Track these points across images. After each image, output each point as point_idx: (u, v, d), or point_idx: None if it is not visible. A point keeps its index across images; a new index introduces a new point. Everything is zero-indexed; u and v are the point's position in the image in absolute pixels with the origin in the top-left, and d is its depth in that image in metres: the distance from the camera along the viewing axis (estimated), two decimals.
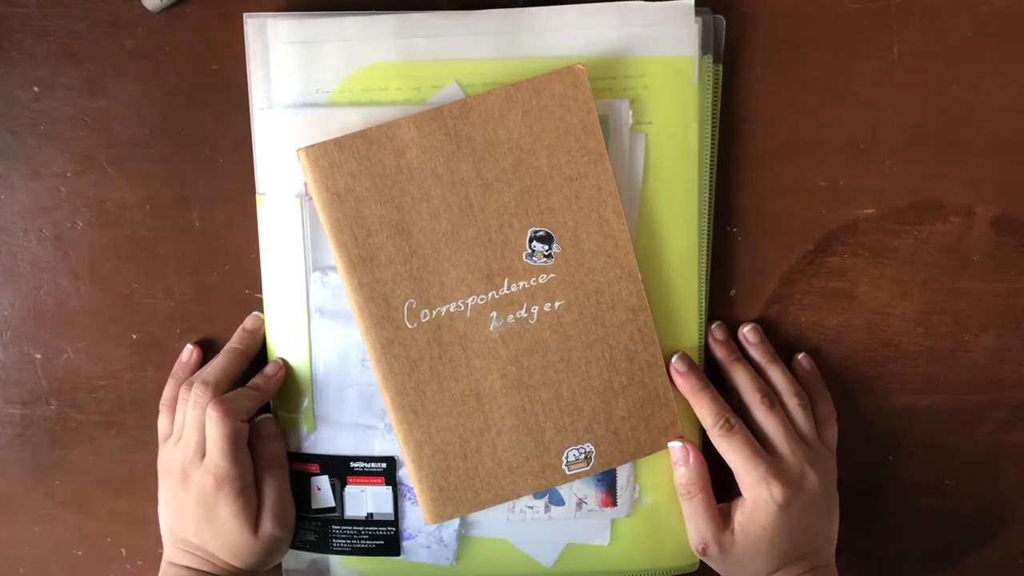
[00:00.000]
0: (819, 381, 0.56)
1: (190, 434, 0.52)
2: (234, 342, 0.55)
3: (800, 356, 0.56)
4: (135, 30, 0.53)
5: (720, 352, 0.55)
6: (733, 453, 0.51)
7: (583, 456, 0.54)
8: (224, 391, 0.52)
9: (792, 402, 0.53)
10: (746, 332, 0.55)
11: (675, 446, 0.53)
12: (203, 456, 0.51)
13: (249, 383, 0.54)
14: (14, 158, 0.55)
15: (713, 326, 0.55)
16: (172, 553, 0.54)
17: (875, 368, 0.57)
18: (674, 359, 0.53)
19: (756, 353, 0.55)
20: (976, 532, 0.60)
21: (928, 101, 0.55)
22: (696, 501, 0.52)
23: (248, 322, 0.55)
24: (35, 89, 0.54)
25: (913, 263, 0.56)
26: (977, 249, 0.56)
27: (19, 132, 0.54)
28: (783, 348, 0.56)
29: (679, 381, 0.53)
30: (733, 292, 0.56)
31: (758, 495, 0.50)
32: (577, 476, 0.54)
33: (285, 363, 0.54)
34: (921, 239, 0.56)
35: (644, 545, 0.56)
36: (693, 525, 0.52)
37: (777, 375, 0.54)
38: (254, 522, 0.52)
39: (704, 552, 0.52)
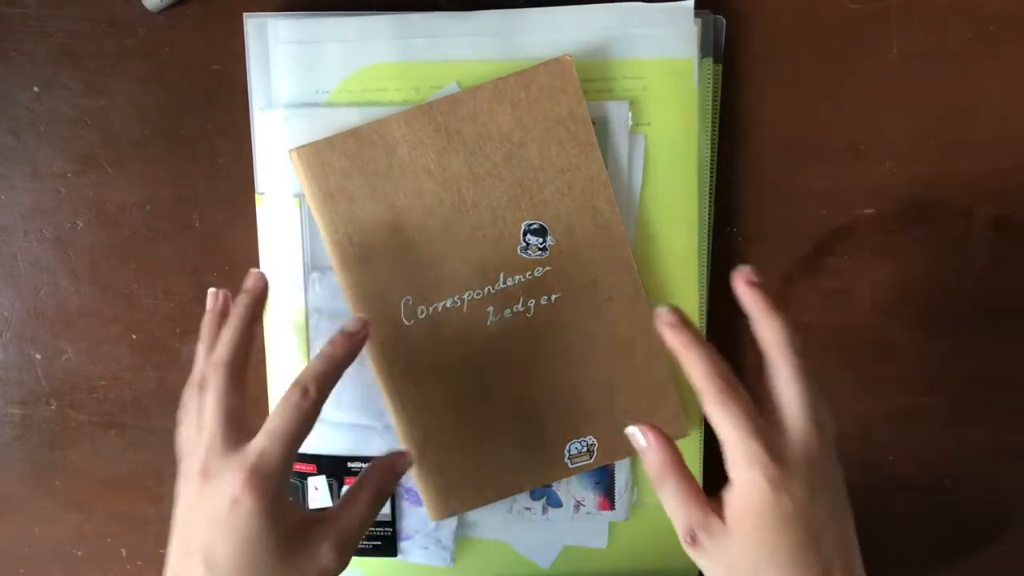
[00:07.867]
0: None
1: (208, 424, 0.44)
2: (236, 308, 0.47)
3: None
4: (135, 30, 0.53)
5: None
6: (725, 423, 0.42)
7: (585, 449, 0.54)
8: (240, 367, 0.45)
9: None
10: (747, 271, 0.45)
11: (632, 431, 0.45)
12: (234, 447, 0.43)
13: (323, 350, 0.45)
14: (14, 158, 0.55)
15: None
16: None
17: (875, 368, 0.57)
18: (663, 311, 0.44)
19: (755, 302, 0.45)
20: (976, 532, 0.60)
21: (928, 101, 0.54)
22: (670, 483, 0.43)
23: (248, 281, 0.48)
24: (35, 89, 0.54)
25: (913, 263, 0.56)
26: (977, 249, 0.56)
27: (19, 132, 0.54)
28: None
29: (668, 336, 0.44)
30: None
31: (748, 476, 0.41)
32: (580, 469, 0.54)
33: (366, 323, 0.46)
34: (921, 239, 0.56)
35: (642, 548, 0.56)
36: (675, 512, 0.43)
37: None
38: (296, 538, 0.43)
39: (694, 541, 0.42)
